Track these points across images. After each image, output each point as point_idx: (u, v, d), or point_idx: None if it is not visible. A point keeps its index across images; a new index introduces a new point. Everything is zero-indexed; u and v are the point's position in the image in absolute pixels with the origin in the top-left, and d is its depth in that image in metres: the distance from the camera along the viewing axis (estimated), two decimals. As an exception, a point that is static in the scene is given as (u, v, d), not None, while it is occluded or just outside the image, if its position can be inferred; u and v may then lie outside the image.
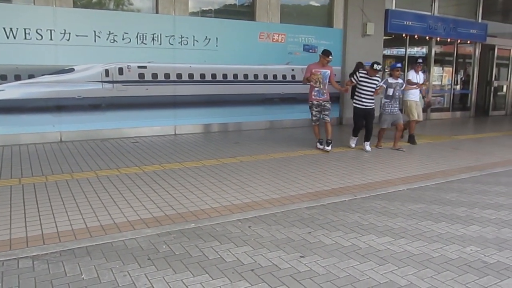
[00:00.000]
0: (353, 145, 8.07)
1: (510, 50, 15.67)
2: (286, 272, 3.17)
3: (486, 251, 3.62)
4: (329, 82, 7.65)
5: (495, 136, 10.42)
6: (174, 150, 7.48)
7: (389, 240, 3.80)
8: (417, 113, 8.81)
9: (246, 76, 9.87)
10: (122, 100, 8.58)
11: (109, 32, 8.29)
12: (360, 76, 7.74)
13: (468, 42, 14.10)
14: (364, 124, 7.92)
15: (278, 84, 10.23)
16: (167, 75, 8.98)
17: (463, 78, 14.94)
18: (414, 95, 8.82)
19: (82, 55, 8.10)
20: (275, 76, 10.15)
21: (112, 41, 8.33)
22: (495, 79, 15.55)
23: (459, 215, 4.53)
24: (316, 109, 7.62)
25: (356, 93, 7.88)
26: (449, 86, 14.26)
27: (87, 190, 5.00)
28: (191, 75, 9.23)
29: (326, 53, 7.53)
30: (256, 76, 9.99)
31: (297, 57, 10.37)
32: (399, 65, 8.18)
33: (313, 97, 7.61)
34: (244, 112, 9.98)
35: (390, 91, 7.95)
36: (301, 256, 3.42)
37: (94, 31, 8.16)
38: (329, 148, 7.58)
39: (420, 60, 9.14)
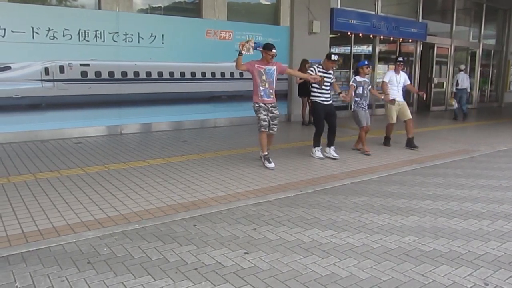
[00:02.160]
0: (321, 155, 7.08)
1: (448, 48, 16.45)
2: (230, 269, 3.16)
3: (423, 240, 3.78)
4: (284, 74, 6.93)
5: (434, 130, 10.91)
6: (119, 150, 7.29)
7: (332, 233, 3.88)
8: (404, 114, 8.26)
9: (193, 74, 9.77)
10: (63, 100, 8.25)
11: (49, 28, 7.95)
12: (318, 71, 6.95)
13: (410, 40, 14.67)
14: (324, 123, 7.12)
15: (226, 82, 10.21)
16: (111, 73, 8.73)
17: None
18: (395, 96, 8.21)
19: (19, 53, 7.71)
20: (223, 74, 10.12)
21: (51, 37, 7.98)
22: (435, 76, 16.27)
23: (400, 206, 4.70)
24: (264, 112, 6.33)
25: (313, 88, 7.09)
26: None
27: (24, 194, 4.78)
28: (136, 73, 9.02)
29: (268, 46, 6.28)
30: (203, 73, 9.92)
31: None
32: (366, 62, 7.74)
33: (259, 98, 6.38)
34: (192, 110, 9.88)
35: (360, 90, 7.61)
36: (246, 253, 3.42)
37: (32, 27, 7.79)
38: (272, 165, 6.31)
39: (400, 59, 8.41)
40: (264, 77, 6.36)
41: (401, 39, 14.33)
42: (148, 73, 9.18)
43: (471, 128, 11.81)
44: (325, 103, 7.07)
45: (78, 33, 8.26)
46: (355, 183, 5.63)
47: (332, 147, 7.14)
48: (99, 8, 8.60)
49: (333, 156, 7.07)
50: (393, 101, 8.18)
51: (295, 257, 3.37)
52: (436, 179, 5.94)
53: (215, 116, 10.26)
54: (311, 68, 7.07)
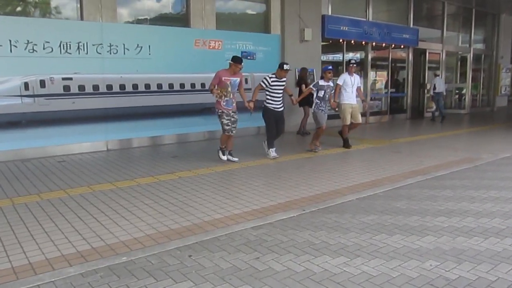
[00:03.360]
0: (275, 154, 7.61)
1: (439, 53, 16.28)
2: (234, 311, 2.74)
3: (446, 265, 3.39)
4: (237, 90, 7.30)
5: (431, 137, 10.60)
6: (106, 168, 6.83)
7: (345, 260, 3.47)
8: (354, 117, 8.65)
9: (182, 85, 9.37)
10: (45, 116, 7.79)
11: (28, 41, 7.49)
12: (272, 80, 7.51)
13: (402, 46, 14.44)
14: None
15: (217, 93, 9.79)
16: (95, 87, 8.29)
17: (401, 81, 15.29)
18: (349, 98, 8.61)
19: (-4, 67, 7.26)
20: (213, 85, 9.72)
21: (31, 50, 7.53)
22: (427, 82, 16.06)
23: (412, 225, 4.32)
24: (227, 118, 7.08)
25: (268, 97, 7.61)
26: (386, 90, 14.51)
27: (-1, 223, 4.31)
28: (122, 86, 8.59)
29: (237, 60, 7.01)
30: (193, 85, 9.52)
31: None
32: (330, 67, 8.20)
33: (223, 106, 7.05)
34: (182, 123, 9.46)
35: (321, 93, 8.01)
36: (250, 289, 3.00)
37: (10, 40, 7.33)
38: (236, 158, 7.29)
39: (353, 61, 8.78)
40: (229, 89, 6.98)
41: (393, 45, 14.09)
42: (135, 86, 8.75)
43: (468, 134, 11.54)
44: (276, 110, 7.61)
45: (60, 45, 7.81)
46: (360, 199, 5.24)
47: (273, 149, 7.65)
48: (82, 19, 8.19)
49: (272, 156, 7.59)
50: (337, 105, 8.66)
51: (306, 293, 2.96)
52: (445, 192, 5.58)
53: (207, 128, 9.83)
54: (263, 79, 7.58)
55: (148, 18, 9.24)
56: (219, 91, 6.93)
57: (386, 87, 14.50)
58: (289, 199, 5.18)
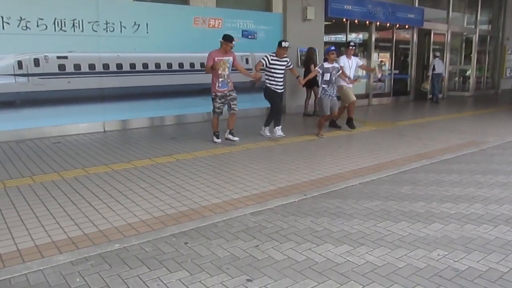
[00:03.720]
0: (269, 134, 7.60)
1: (445, 34, 15.91)
2: (231, 304, 2.58)
3: (455, 255, 3.23)
4: (233, 68, 7.14)
5: (436, 120, 10.38)
6: (102, 150, 6.65)
7: (348, 249, 3.31)
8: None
9: (181, 65, 9.12)
10: (40, 95, 7.57)
11: (20, 17, 7.22)
12: (271, 59, 7.34)
13: (406, 26, 14.09)
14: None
15: (216, 73, 9.53)
16: (91, 66, 8.04)
17: (405, 62, 14.98)
18: (345, 81, 8.41)
19: (-13, 45, 7.01)
20: (213, 65, 9.46)
21: (24, 28, 7.26)
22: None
23: (418, 211, 4.15)
24: (220, 101, 6.98)
25: (268, 76, 7.47)
26: (389, 71, 14.21)
27: (-12, 207, 4.14)
28: (119, 65, 8.34)
29: (228, 38, 6.84)
30: (192, 64, 9.26)
31: (236, 43, 9.67)
32: (333, 48, 7.73)
33: (217, 88, 6.93)
34: (182, 104, 9.24)
35: (327, 76, 7.63)
36: (248, 280, 2.84)
37: (2, 17, 7.06)
38: (237, 138, 7.05)
39: (352, 44, 8.55)
40: (222, 69, 6.80)
41: (397, 26, 13.73)
42: (132, 65, 8.50)
43: (473, 117, 11.32)
44: (278, 91, 7.50)
45: (54, 23, 7.54)
46: (364, 183, 5.06)
47: (279, 127, 7.52)
48: (77, -5, 7.89)
49: (278, 135, 7.47)
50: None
51: (308, 284, 2.79)
52: (451, 176, 5.39)
53: (207, 109, 9.54)
54: (264, 57, 7.36)
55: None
56: (221, 65, 6.80)
57: (389, 68, 14.19)
58: (290, 183, 5.01)
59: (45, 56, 7.53)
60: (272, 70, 7.38)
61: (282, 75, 7.47)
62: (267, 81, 7.52)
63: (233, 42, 6.88)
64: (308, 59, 10.25)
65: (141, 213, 4.02)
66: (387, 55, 14.19)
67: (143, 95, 8.71)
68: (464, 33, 17.48)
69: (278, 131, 7.52)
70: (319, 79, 7.82)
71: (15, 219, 3.85)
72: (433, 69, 14.15)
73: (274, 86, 7.45)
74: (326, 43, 11.65)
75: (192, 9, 9.17)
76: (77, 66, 7.88)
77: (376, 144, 7.30)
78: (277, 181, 5.08)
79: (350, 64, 8.44)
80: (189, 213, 4.02)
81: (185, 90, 9.23)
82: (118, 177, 5.16)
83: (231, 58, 6.98)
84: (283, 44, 7.31)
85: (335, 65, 7.79)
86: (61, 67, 7.71)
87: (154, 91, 8.84)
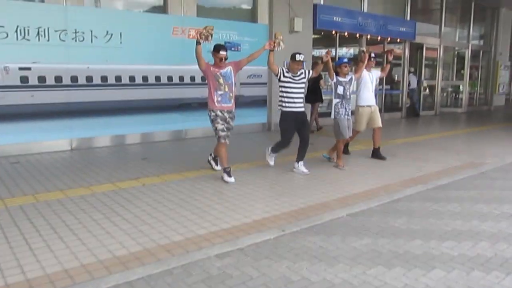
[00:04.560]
0: (272, 163, 6.43)
1: (437, 49, 15.49)
2: None
3: (462, 317, 2.58)
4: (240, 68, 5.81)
5: (429, 138, 9.81)
6: (62, 172, 5.96)
7: (330, 308, 2.65)
8: (374, 120, 7.18)
9: (158, 78, 8.48)
10: (-1, 110, 6.90)
11: (-23, 25, 6.59)
12: (286, 73, 5.93)
13: (398, 40, 13.62)
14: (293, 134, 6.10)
15: (197, 87, 8.91)
16: (58, 78, 7.39)
17: (396, 79, 14.52)
18: (367, 99, 7.13)
19: None
20: (193, 78, 8.85)
21: (-19, 36, 6.63)
22: (424, 79, 15.29)
23: (415, 252, 3.51)
24: (222, 121, 5.53)
25: (281, 97, 6.04)
26: (380, 87, 13.69)
27: None
28: (89, 78, 7.69)
29: (216, 48, 5.49)
30: (170, 78, 8.64)
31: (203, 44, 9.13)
32: (345, 60, 6.54)
33: (216, 104, 5.49)
34: (157, 120, 8.58)
35: (341, 89, 6.42)
36: None
37: (-44, 24, 6.43)
38: (232, 179, 5.50)
39: (373, 55, 7.13)
40: (221, 80, 5.51)
41: (388, 39, 13.25)
42: (104, 78, 7.86)
43: (467, 135, 10.76)
44: (295, 110, 6.00)
45: (16, 31, 6.90)
46: (352, 215, 4.43)
47: (301, 162, 6.15)
48: (42, 1, 7.27)
49: (303, 172, 6.08)
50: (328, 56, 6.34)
51: None
52: (450, 205, 4.78)
53: (185, 126, 8.97)
54: (281, 68, 6.07)
55: (119, 1, 8.33)
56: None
57: (380, 83, 13.68)
58: (268, 214, 4.35)
59: (5, 67, 6.88)
60: (284, 89, 5.97)
61: (300, 94, 6.01)
62: (280, 103, 6.03)
63: (222, 52, 5.44)
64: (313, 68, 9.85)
65: (84, 254, 3.34)
66: (378, 70, 13.66)
67: (116, 110, 8.06)
68: (456, 48, 17.10)
69: (302, 167, 6.12)
70: (333, 92, 6.56)
71: None
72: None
73: (289, 106, 5.95)
74: (314, 57, 11.14)
75: (171, 18, 8.57)
76: (41, 78, 7.22)
77: (366, 166, 6.69)
78: (252, 211, 4.42)
79: (371, 77, 7.13)
80: (141, 255, 3.34)
81: (162, 105, 8.59)
82: (70, 206, 4.48)
83: (228, 69, 5.55)
84: (298, 57, 5.83)
85: (347, 79, 6.55)
86: (24, 79, 7.05)
87: (128, 106, 8.19)
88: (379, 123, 7.25)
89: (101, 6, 8.05)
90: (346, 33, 11.79)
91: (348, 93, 6.55)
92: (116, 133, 8.14)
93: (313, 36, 10.91)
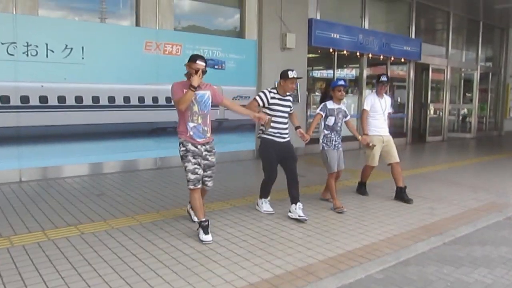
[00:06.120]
0: (270, 209, 5.14)
1: (444, 70, 14.44)
2: None
3: None
4: (214, 107, 4.52)
5: (440, 169, 8.64)
6: (3, 212, 4.81)
7: None
8: (389, 154, 6.06)
9: (127, 99, 7.38)
10: None
11: None
12: (272, 96, 4.87)
13: (402, 60, 12.56)
14: (276, 170, 4.98)
15: (173, 110, 7.78)
16: (5, 99, 6.30)
17: (398, 101, 13.45)
18: (379, 128, 6.04)
19: None
20: (168, 99, 7.73)
21: None
22: (430, 102, 14.20)
23: None
24: (194, 159, 4.21)
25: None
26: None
27: None
28: (43, 99, 6.60)
29: (192, 57, 4.15)
30: (141, 98, 7.53)
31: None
32: (341, 82, 5.56)
33: (188, 137, 4.22)
34: (125, 147, 7.44)
35: (331, 120, 5.46)
36: None
37: None
38: (210, 238, 4.09)
39: (384, 78, 6.03)
40: (195, 108, 4.19)
41: (392, 59, 12.20)
42: (62, 98, 6.76)
43: (481, 165, 9.56)
44: (279, 141, 4.93)
45: (-47, 43, 5.87)
46: (346, 286, 3.23)
47: (299, 204, 4.86)
48: (-14, 9, 6.24)
49: (300, 217, 4.80)
50: (371, 146, 5.92)
51: None
52: (477, 271, 3.59)
53: (159, 154, 7.83)
54: (260, 93, 4.99)
55: (80, 10, 7.29)
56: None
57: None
58: (234, 284, 3.17)
59: None
60: (271, 113, 4.88)
61: (285, 119, 5.01)
62: (263, 130, 4.95)
63: (200, 62, 4.09)
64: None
65: None
66: (389, 98, 12.62)
67: (76, 135, 6.94)
68: (463, 69, 16.03)
69: (299, 210, 4.86)
70: (321, 123, 5.61)
71: None
72: None
73: (274, 135, 4.91)
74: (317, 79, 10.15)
75: (143, 31, 7.52)
76: (-17, 98, 6.14)
77: (365, 208, 5.50)
78: (213, 279, 3.23)
79: (383, 105, 6.05)
80: None
81: (131, 130, 7.47)
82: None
83: (207, 94, 4.27)
84: (290, 74, 4.84)
85: (342, 107, 5.60)
86: (-39, 99, 5.98)
87: (90, 131, 7.07)
88: (396, 157, 6.04)
89: (58, 16, 7.01)
90: (345, 52, 10.75)
91: (339, 125, 5.52)
92: (76, 162, 6.99)
93: (308, 55, 9.86)
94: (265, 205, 5.16)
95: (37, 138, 6.61)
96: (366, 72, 11.68)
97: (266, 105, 4.89)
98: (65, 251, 3.75)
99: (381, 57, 11.71)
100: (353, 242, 4.19)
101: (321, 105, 5.62)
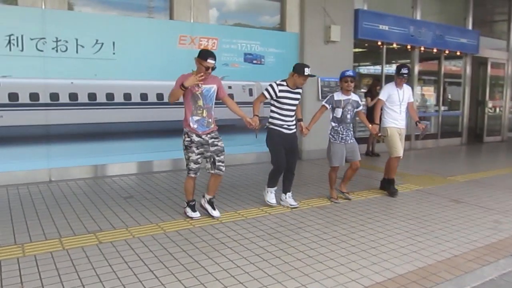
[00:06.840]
0: (274, 201, 5.17)
1: (505, 64, 13.27)
2: None
3: None
4: (218, 101, 4.66)
5: (500, 174, 7.73)
6: (7, 219, 4.54)
7: None
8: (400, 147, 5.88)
9: (160, 96, 7.04)
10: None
11: None
12: (280, 89, 4.92)
13: (458, 53, 11.57)
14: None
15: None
16: (34, 96, 6.10)
17: (449, 98, 12.47)
18: (396, 120, 5.86)
19: None
20: (203, 96, 7.32)
21: None
22: (489, 99, 13.07)
23: None
24: (198, 150, 4.47)
25: (273, 113, 5.05)
26: (436, 108, 11.67)
27: None
28: (73, 96, 6.36)
29: (203, 54, 4.38)
30: (175, 96, 7.16)
31: (236, 69, 7.61)
32: (349, 72, 5.34)
33: (192, 127, 4.45)
34: (157, 146, 7.11)
35: (338, 112, 5.33)
36: None
37: None
38: (217, 213, 4.66)
39: (405, 71, 5.74)
40: (200, 102, 4.47)
41: (446, 52, 11.25)
42: (92, 96, 6.51)
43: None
44: (286, 132, 5.07)
45: (-18, 39, 5.69)
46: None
47: (289, 194, 5.26)
48: (16, 4, 6.03)
49: (291, 205, 5.19)
50: (381, 137, 5.90)
51: None
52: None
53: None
54: (268, 86, 5.02)
55: (112, 4, 6.99)
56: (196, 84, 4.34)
57: (436, 104, 11.67)
58: None
59: (-34, 81, 5.66)
60: (279, 105, 4.99)
61: (293, 112, 5.08)
62: (271, 120, 5.08)
63: (211, 61, 4.31)
64: (370, 93, 8.98)
65: None
66: (431, 88, 11.73)
67: (108, 134, 6.68)
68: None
69: (290, 199, 5.23)
70: (330, 115, 5.46)
71: None
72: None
73: (281, 126, 5.02)
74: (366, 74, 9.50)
75: (177, 25, 7.15)
76: (13, 96, 5.96)
77: (415, 219, 4.82)
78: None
79: (401, 96, 5.83)
80: None
81: (163, 128, 7.12)
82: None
83: (213, 87, 4.51)
84: (306, 71, 4.85)
85: (352, 97, 5.38)
86: (-10, 96, 5.81)
87: (123, 129, 6.79)
88: (401, 151, 5.94)
89: (88, 10, 6.75)
90: (394, 45, 9.97)
91: (348, 116, 5.39)
92: (105, 162, 6.73)
93: (354, 49, 9.17)
94: (270, 195, 5.19)
95: (68, 136, 6.37)
96: (417, 67, 10.84)
97: (274, 98, 4.98)
98: (77, 264, 3.38)
99: (435, 50, 10.81)
100: (405, 263, 3.56)
101: (328, 97, 5.51)
